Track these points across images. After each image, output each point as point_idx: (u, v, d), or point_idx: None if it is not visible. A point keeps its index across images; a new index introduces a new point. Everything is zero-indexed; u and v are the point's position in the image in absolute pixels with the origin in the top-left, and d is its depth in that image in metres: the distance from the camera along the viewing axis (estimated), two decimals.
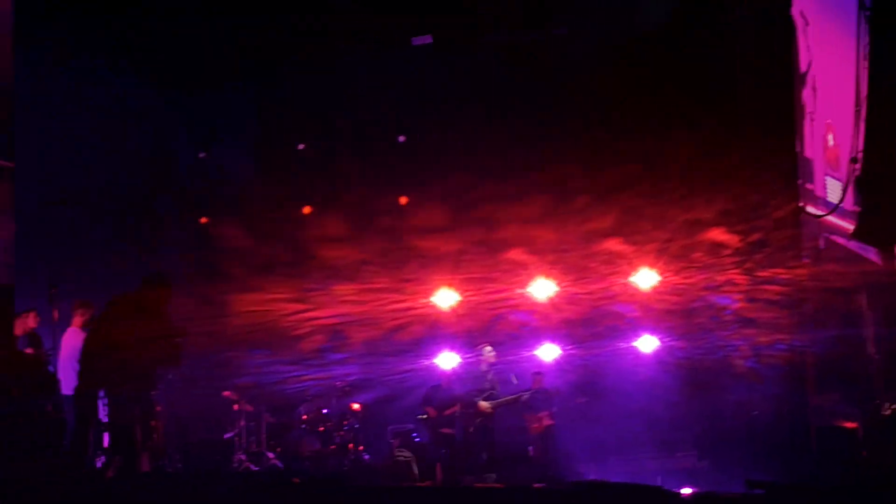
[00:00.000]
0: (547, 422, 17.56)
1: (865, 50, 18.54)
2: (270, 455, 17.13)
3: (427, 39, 18.76)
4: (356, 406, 18.08)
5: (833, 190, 19.07)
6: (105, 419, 13.70)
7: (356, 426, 17.94)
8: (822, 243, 18.54)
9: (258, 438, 17.46)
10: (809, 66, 18.83)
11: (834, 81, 19.12)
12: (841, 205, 18.61)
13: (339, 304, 18.68)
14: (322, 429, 17.73)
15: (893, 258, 19.35)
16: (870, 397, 18.91)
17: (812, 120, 18.68)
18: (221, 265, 18.63)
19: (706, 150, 17.43)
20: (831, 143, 19.55)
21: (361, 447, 17.76)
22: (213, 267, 18.77)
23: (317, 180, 19.13)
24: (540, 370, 18.09)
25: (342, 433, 17.72)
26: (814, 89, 18.97)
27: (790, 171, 17.84)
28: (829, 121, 19.33)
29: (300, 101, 19.12)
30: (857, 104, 18.63)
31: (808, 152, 18.52)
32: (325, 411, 17.92)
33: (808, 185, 18.33)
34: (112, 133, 18.23)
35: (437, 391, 17.91)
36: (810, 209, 18.11)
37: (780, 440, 17.48)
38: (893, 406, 18.43)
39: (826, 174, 19.21)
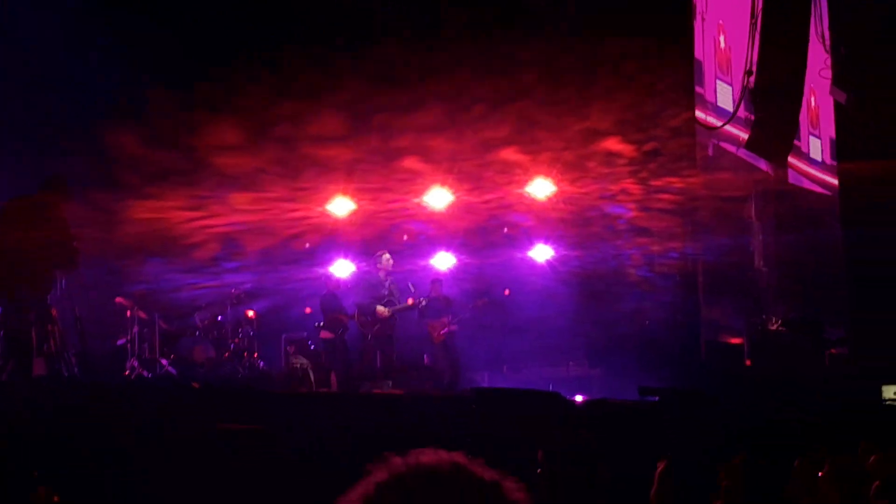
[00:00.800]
0: (448, 329, 17.62)
1: None
2: (164, 362, 16.99)
3: None
4: (251, 313, 17.98)
5: (723, 94, 19.27)
6: None
7: (251, 333, 17.86)
8: (710, 151, 18.75)
9: (151, 345, 17.28)
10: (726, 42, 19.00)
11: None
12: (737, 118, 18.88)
13: (235, 212, 18.51)
14: (216, 335, 17.63)
15: (784, 168, 19.74)
16: (757, 310, 19.32)
17: (703, 19, 18.74)
18: (116, 172, 18.30)
19: (602, 59, 17.49)
20: (723, 45, 19.67)
21: (256, 354, 17.70)
22: (107, 173, 18.41)
23: (214, 88, 18.77)
24: (438, 277, 18.13)
25: (237, 340, 17.63)
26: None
27: (686, 81, 17.98)
28: (720, 21, 19.41)
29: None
30: (753, 14, 18.86)
31: (697, 53, 18.65)
32: (219, 318, 17.81)
33: (698, 89, 18.47)
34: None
35: (333, 298, 17.88)
36: (700, 114, 18.28)
37: (671, 349, 17.79)
38: (778, 321, 18.87)
39: (717, 77, 19.35)
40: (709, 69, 19.07)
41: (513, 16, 17.86)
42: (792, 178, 20.52)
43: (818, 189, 21.83)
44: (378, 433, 13.43)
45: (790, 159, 20.25)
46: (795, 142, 20.40)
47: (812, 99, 21.70)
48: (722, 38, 19.65)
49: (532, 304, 18.44)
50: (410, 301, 17.49)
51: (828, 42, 21.51)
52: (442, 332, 17.58)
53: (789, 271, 20.09)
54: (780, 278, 20.12)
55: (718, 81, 19.35)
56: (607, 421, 15.71)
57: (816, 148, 22.21)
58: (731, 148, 19.10)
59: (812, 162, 21.84)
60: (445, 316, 17.65)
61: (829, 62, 21.64)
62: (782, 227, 20.12)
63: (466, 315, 17.90)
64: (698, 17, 18.57)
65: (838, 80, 21.58)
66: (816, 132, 22.19)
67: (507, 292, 18.11)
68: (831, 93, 21.85)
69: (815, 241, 20.55)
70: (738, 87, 18.96)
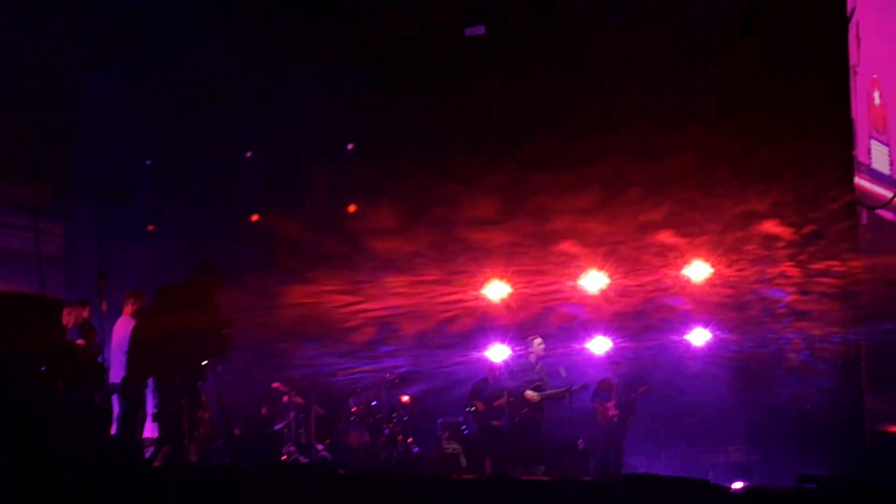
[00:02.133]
0: (612, 412, 17.46)
1: None
2: (320, 447, 17.18)
3: (480, 30, 18.68)
4: (405, 398, 18.09)
5: (879, 155, 18.64)
6: (153, 409, 13.78)
7: (405, 418, 17.95)
8: (864, 219, 18.12)
9: (307, 430, 17.50)
10: (853, 12, 18.28)
11: (880, 30, 18.69)
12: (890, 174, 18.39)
13: (390, 296, 18.73)
14: (371, 421, 17.76)
15: None
16: None
17: (855, 74, 18.15)
18: (275, 257, 18.73)
19: (761, 141, 17.27)
20: (878, 101, 19.04)
21: (410, 439, 17.78)
22: (266, 258, 18.87)
23: (368, 172, 19.12)
24: (617, 360, 17.96)
25: (391, 425, 17.74)
26: (857, 39, 18.45)
27: (846, 163, 17.59)
28: (875, 75, 18.86)
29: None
30: None
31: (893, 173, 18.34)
32: (374, 403, 17.96)
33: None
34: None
35: (485, 383, 17.88)
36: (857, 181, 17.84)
37: (832, 435, 17.32)
38: None
39: (871, 136, 18.73)
40: (861, 128, 18.44)
41: (664, 99, 17.76)
42: None
43: None
44: None
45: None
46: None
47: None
48: (877, 94, 19.00)
49: (690, 388, 18.17)
50: (561, 389, 17.38)
51: None
52: (608, 415, 17.42)
53: None
54: None
55: (873, 141, 18.69)
56: None
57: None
58: (890, 216, 18.43)
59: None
60: (613, 399, 17.50)
61: None
62: None
63: (627, 400, 17.70)
64: (850, 70, 18.04)
65: None
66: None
67: (642, 389, 17.84)
68: None
69: None
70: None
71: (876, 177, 18.93)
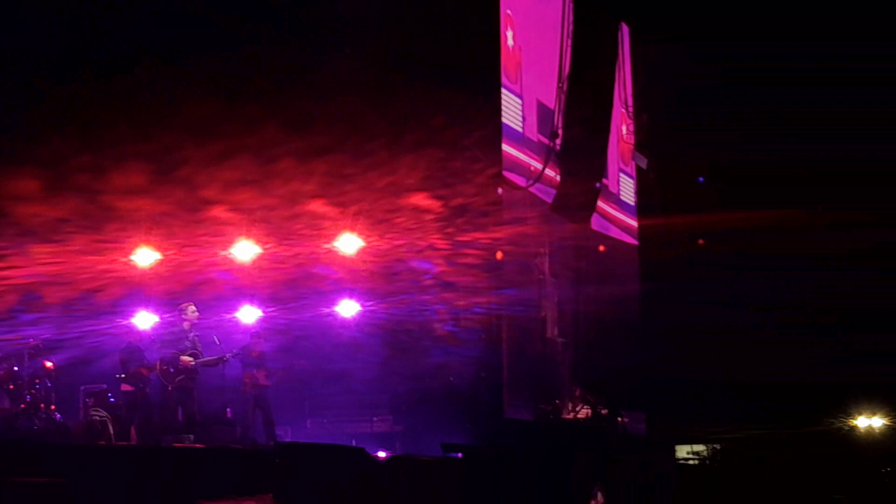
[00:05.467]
0: (263, 382, 17.44)
1: (569, 29, 19.27)
2: None
3: None
4: (49, 364, 17.50)
5: (626, 187, 19.60)
6: None
7: (49, 385, 17.38)
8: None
9: None
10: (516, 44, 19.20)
11: (542, 61, 19.59)
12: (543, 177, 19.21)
13: (34, 264, 18.09)
14: (12, 387, 17.10)
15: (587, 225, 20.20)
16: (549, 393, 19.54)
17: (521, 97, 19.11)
18: None
19: (410, 115, 17.68)
20: (625, 133, 20.10)
21: (53, 406, 17.23)
22: None
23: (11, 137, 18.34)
24: (258, 332, 17.93)
25: (33, 392, 17.14)
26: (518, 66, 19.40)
27: (492, 137, 18.28)
28: (538, 98, 19.78)
29: None
30: (560, 81, 19.35)
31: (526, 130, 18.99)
32: (15, 369, 17.29)
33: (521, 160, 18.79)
34: None
35: (136, 350, 17.55)
36: (509, 176, 18.59)
37: (474, 405, 17.98)
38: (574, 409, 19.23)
39: (620, 169, 19.77)
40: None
41: (317, 71, 17.89)
42: (597, 223, 20.76)
43: (625, 237, 22.21)
44: (179, 486, 13.24)
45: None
46: (604, 181, 20.72)
47: (624, 128, 21.93)
48: (624, 128, 20.07)
49: (339, 357, 18.43)
50: (216, 357, 17.29)
51: (631, 108, 22.19)
52: (259, 384, 17.41)
53: (587, 335, 20.41)
54: (577, 346, 20.40)
55: (622, 174, 19.73)
56: (411, 477, 15.81)
57: (628, 189, 22.44)
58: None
59: (623, 206, 22.13)
60: (261, 369, 17.48)
61: (631, 128, 22.32)
62: (581, 283, 20.53)
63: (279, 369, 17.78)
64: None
65: (640, 146, 22.28)
66: (629, 169, 22.48)
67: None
68: (633, 157, 22.50)
69: (616, 296, 21.00)
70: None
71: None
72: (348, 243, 18.25)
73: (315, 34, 17.85)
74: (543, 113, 19.69)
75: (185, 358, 17.07)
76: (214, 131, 17.63)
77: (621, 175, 22.27)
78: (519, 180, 18.83)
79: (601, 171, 20.50)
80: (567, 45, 19.57)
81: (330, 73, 17.77)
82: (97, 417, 16.94)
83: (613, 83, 20.53)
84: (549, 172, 19.29)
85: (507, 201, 18.61)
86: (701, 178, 21.44)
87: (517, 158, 18.93)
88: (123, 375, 17.33)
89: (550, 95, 19.53)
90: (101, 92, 17.89)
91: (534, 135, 19.42)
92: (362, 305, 18.41)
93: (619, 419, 19.91)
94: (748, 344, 21.59)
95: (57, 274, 18.01)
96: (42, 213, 17.88)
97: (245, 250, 18.24)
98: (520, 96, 19.23)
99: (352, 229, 18.16)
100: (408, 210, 18.27)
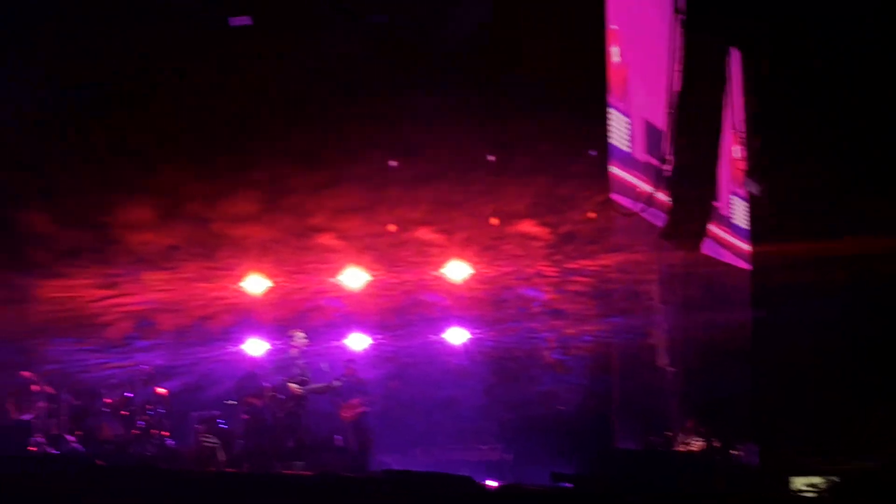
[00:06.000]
0: (359, 409, 17.49)
1: (678, 53, 19.01)
2: (70, 438, 16.72)
3: (247, 20, 18.42)
4: (162, 391, 17.74)
5: (739, 211, 19.34)
6: None
7: (161, 411, 17.62)
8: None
9: (58, 421, 16.99)
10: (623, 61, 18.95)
11: (649, 78, 19.32)
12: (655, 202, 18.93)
13: (148, 290, 18.39)
14: (125, 413, 17.37)
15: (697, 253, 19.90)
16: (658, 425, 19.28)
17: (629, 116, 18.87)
18: (22, 250, 18.09)
19: (516, 142, 17.64)
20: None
21: (166, 433, 17.46)
22: (15, 252, 18.20)
23: (124, 166, 18.65)
24: (352, 359, 18.03)
25: (146, 418, 17.39)
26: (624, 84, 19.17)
27: (600, 162, 18.12)
28: (645, 117, 19.52)
29: None
30: (669, 103, 19.07)
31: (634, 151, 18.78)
32: (128, 395, 17.55)
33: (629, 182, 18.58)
34: None
35: (251, 378, 17.71)
36: (618, 201, 18.38)
37: (583, 434, 17.79)
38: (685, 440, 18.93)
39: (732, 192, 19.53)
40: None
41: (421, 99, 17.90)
42: (708, 248, 20.35)
43: (737, 261, 21.79)
44: None
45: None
46: (715, 203, 20.34)
47: (736, 150, 21.51)
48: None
49: (446, 385, 18.42)
50: (323, 384, 17.39)
51: (742, 133, 21.86)
52: (355, 412, 17.45)
53: (698, 364, 20.09)
54: (688, 375, 20.11)
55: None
56: None
57: (741, 212, 22.06)
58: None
59: (735, 229, 21.75)
60: (357, 397, 17.53)
61: (743, 152, 21.99)
62: (692, 311, 20.22)
63: (377, 397, 17.81)
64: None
65: (753, 172, 21.93)
66: (742, 193, 22.06)
67: (394, 385, 18.06)
68: (746, 184, 22.16)
69: (727, 324, 20.64)
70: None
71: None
72: (456, 270, 18.25)
73: (420, 63, 17.87)
74: (651, 133, 19.42)
75: (294, 386, 17.19)
76: (321, 160, 17.75)
77: (733, 198, 21.88)
78: (626, 202, 18.60)
79: (712, 197, 20.18)
80: (676, 69, 19.29)
81: (434, 100, 17.76)
82: (207, 444, 17.12)
83: (724, 107, 20.22)
84: (658, 195, 18.99)
85: (615, 227, 18.41)
86: (816, 202, 21.01)
87: (624, 180, 18.69)
88: (235, 402, 17.50)
89: (658, 114, 19.22)
90: (209, 121, 18.15)
91: (641, 155, 19.15)
92: (470, 332, 18.38)
93: (734, 451, 19.53)
94: (865, 372, 21.06)
95: (169, 301, 18.28)
96: (154, 240, 18.16)
97: (353, 277, 18.33)
98: (627, 115, 19.00)
99: (460, 257, 18.17)
100: (515, 237, 18.20)
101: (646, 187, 18.94)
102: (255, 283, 18.34)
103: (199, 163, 18.06)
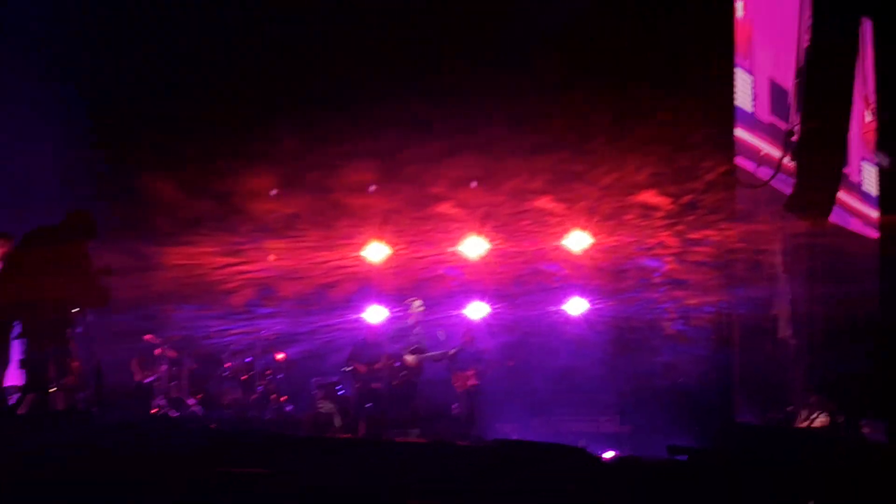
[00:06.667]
0: (472, 381, 17.49)
1: (808, 21, 18.49)
2: (191, 401, 17.02)
3: None
4: (280, 356, 17.96)
5: (869, 177, 18.96)
6: (20, 356, 13.40)
7: (279, 376, 17.85)
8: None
9: (179, 384, 17.32)
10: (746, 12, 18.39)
11: (775, 35, 18.79)
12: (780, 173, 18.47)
13: (269, 258, 18.62)
14: (245, 378, 17.62)
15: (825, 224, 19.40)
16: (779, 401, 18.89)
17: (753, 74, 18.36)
18: (149, 218, 18.44)
19: (638, 110, 17.39)
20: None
21: (284, 398, 17.67)
22: (141, 221, 18.55)
23: (246, 135, 18.86)
24: (471, 328, 18.03)
25: (265, 382, 17.62)
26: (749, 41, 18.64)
27: (723, 133, 17.77)
28: (771, 76, 19.03)
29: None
30: (798, 74, 18.59)
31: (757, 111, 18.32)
32: (248, 360, 17.81)
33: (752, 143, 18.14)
34: None
35: (365, 345, 17.83)
36: (743, 167, 17.98)
37: (702, 407, 17.54)
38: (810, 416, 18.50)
39: (863, 157, 19.04)
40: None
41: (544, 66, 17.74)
42: (836, 215, 19.74)
43: (866, 230, 21.17)
44: (399, 481, 13.32)
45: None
46: (845, 169, 19.75)
47: (868, 114, 20.82)
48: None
49: (565, 355, 18.30)
50: (439, 353, 17.43)
51: (873, 105, 21.24)
52: (467, 383, 17.46)
53: (823, 337, 19.61)
54: (811, 348, 19.64)
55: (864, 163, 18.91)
56: (636, 479, 15.51)
57: (871, 179, 21.40)
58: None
59: (865, 197, 21.13)
60: (473, 368, 17.53)
61: (872, 126, 21.38)
62: (817, 282, 19.76)
63: (493, 372, 17.77)
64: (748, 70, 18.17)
65: (882, 144, 21.31)
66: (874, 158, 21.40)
67: (511, 363, 17.95)
68: (875, 156, 21.54)
69: (854, 295, 20.10)
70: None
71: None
72: (576, 240, 18.12)
73: (534, 31, 17.73)
74: (777, 93, 18.86)
75: (409, 357, 17.27)
76: (439, 129, 17.73)
77: (864, 164, 21.21)
78: (748, 165, 18.16)
79: (841, 165, 19.63)
80: (805, 33, 18.72)
81: (549, 70, 17.59)
82: (324, 409, 17.28)
83: (854, 77, 19.63)
84: (784, 160, 18.39)
85: (739, 197, 18.04)
86: None
87: (747, 142, 18.21)
88: (352, 368, 17.63)
89: (784, 74, 18.64)
90: (329, 93, 18.25)
91: (766, 116, 18.66)
92: (590, 303, 18.24)
93: (860, 428, 19.07)
94: None
95: (291, 269, 18.47)
96: (276, 209, 18.36)
97: (473, 246, 18.31)
98: (751, 73, 18.43)
99: (580, 226, 18.03)
100: (637, 207, 17.99)
101: (771, 150, 18.50)
102: (376, 252, 18.43)
103: (320, 132, 18.18)
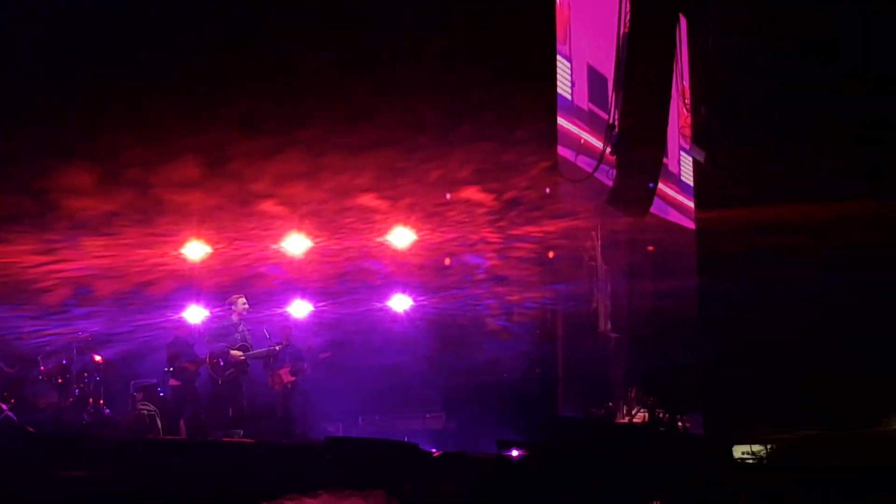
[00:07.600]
0: (288, 378, 17.35)
1: (626, 17, 18.73)
2: (4, 406, 16.46)
3: None
4: (98, 358, 17.50)
5: (686, 166, 19.08)
6: None
7: (97, 378, 17.40)
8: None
9: None
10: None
11: (592, 19, 18.96)
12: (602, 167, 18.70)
13: (87, 257, 18.12)
14: (61, 381, 17.13)
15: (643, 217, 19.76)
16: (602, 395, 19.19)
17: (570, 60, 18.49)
18: None
19: (464, 108, 17.48)
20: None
21: (102, 401, 17.24)
22: None
23: (63, 129, 18.34)
24: (290, 326, 17.87)
25: (82, 386, 17.17)
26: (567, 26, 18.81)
27: (546, 130, 17.95)
28: (589, 61, 19.19)
29: None
30: (617, 67, 18.82)
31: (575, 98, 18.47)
32: (64, 362, 17.32)
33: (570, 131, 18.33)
34: None
35: (185, 345, 17.50)
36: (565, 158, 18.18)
37: (527, 402, 17.71)
38: (630, 411, 18.84)
39: (681, 147, 19.24)
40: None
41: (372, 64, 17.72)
42: (655, 206, 20.07)
43: (684, 220, 21.59)
44: (230, 482, 13.10)
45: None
46: (664, 160, 20.07)
47: (684, 106, 21.16)
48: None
49: (389, 353, 18.25)
50: (265, 350, 17.24)
51: (688, 100, 21.75)
52: (283, 381, 17.33)
53: (642, 331, 19.98)
54: (632, 343, 19.98)
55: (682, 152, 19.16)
56: (465, 474, 15.56)
57: (689, 170, 21.78)
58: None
59: (683, 187, 21.52)
60: (287, 366, 17.39)
61: (689, 120, 21.88)
62: (636, 276, 20.13)
63: (308, 367, 17.62)
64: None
65: (697, 139, 21.84)
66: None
67: (326, 355, 17.83)
68: (691, 150, 22.05)
69: (672, 290, 20.56)
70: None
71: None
72: (400, 237, 18.11)
73: (369, 29, 17.68)
74: (595, 79, 19.01)
75: (235, 352, 17.03)
76: (265, 125, 17.54)
77: (682, 154, 21.63)
78: (568, 154, 18.33)
79: (659, 163, 19.99)
80: (624, 18, 18.90)
81: (375, 67, 17.58)
82: (145, 411, 16.93)
83: (672, 73, 20.01)
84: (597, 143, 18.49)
85: (561, 191, 18.23)
86: (759, 170, 20.95)
87: (566, 129, 18.34)
88: (171, 370, 17.31)
89: (602, 59, 18.78)
90: (152, 85, 17.87)
91: (584, 103, 18.84)
92: (414, 300, 18.24)
93: (680, 423, 19.49)
94: (809, 341, 21.08)
95: (109, 267, 18.01)
96: (94, 206, 17.89)
97: (296, 244, 18.15)
98: (569, 59, 18.54)
99: (403, 223, 18.02)
100: (459, 203, 18.06)
101: (590, 139, 18.69)
102: (196, 250, 18.11)
103: (140, 128, 17.81)
